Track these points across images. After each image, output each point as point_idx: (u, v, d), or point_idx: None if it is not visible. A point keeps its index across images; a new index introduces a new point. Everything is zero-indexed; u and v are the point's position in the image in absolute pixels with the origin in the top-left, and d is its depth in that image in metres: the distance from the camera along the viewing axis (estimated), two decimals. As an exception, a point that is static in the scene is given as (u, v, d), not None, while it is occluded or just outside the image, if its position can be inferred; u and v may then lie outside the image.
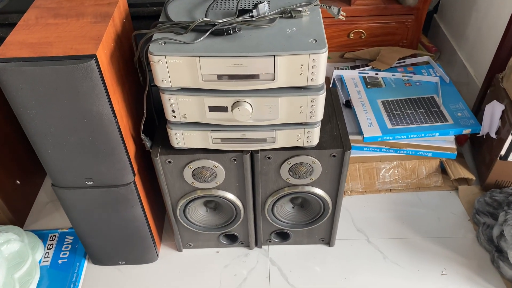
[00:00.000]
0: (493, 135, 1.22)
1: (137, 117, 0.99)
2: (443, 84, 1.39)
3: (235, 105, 0.83)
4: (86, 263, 1.16)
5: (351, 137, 1.26)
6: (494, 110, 1.21)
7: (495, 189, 1.24)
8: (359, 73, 1.45)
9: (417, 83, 1.41)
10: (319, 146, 0.94)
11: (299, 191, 1.01)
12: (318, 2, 0.88)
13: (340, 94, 1.41)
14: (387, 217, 1.26)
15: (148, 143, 0.95)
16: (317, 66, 0.78)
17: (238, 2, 0.88)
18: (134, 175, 0.96)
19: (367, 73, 1.45)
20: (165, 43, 0.79)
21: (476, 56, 1.53)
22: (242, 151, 0.93)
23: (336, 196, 1.04)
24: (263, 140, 0.91)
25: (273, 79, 0.79)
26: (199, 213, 1.10)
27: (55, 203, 1.33)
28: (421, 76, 1.42)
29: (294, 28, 0.81)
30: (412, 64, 1.51)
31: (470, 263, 1.13)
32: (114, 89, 0.85)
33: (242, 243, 1.18)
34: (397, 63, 1.49)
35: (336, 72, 1.46)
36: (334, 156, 0.95)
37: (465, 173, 1.29)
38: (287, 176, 0.98)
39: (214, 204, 1.10)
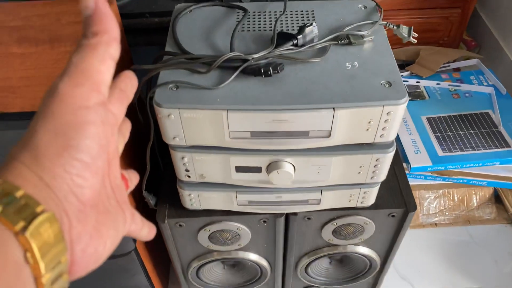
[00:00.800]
0: None
1: (136, 166, 0.77)
2: (498, 95, 1.17)
3: (272, 166, 0.61)
4: None
5: (392, 165, 1.05)
6: None
7: None
8: (396, 80, 1.22)
9: (467, 95, 1.18)
10: (374, 205, 0.73)
11: (343, 252, 0.81)
12: (381, 19, 0.65)
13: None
14: (434, 260, 1.06)
15: (152, 201, 0.74)
16: (391, 120, 0.55)
17: (276, 21, 0.63)
18: (135, 241, 0.75)
19: (407, 81, 1.22)
20: (177, 87, 0.55)
21: (531, 58, 1.30)
22: (275, 214, 0.72)
23: (387, 255, 0.84)
24: (305, 202, 0.69)
25: (328, 136, 0.57)
26: (215, 272, 0.90)
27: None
28: (471, 86, 1.20)
29: (356, 62, 0.58)
30: (457, 70, 1.28)
31: (538, 320, 0.96)
32: (106, 143, 0.62)
33: (267, 298, 0.99)
34: (440, 68, 1.26)
35: (369, 80, 1.23)
36: (393, 216, 0.74)
37: (525, 206, 1.09)
38: (330, 237, 0.78)
39: (233, 261, 0.90)
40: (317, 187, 0.66)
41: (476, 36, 1.57)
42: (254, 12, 0.67)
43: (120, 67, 0.64)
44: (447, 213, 1.13)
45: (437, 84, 1.21)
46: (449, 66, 1.27)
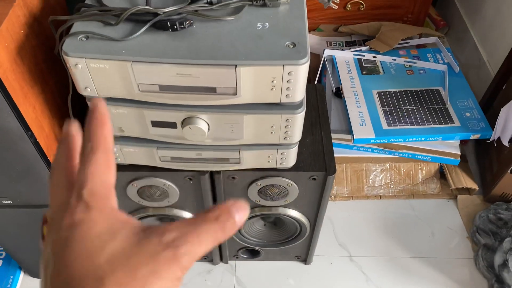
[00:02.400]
0: (506, 143, 1.03)
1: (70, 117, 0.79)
2: (451, 73, 1.18)
3: (185, 122, 0.63)
4: (22, 275, 1.00)
5: (339, 136, 1.08)
6: (510, 114, 1.02)
7: (500, 203, 1.08)
8: (354, 54, 1.23)
9: (421, 71, 1.19)
10: (295, 167, 0.75)
11: (273, 213, 0.84)
12: (303, -18, 0.66)
13: (330, 80, 1.20)
14: (374, 230, 1.10)
15: (81, 154, 0.76)
16: (294, 80, 0.57)
17: (193, -20, 0.64)
18: (65, 192, 0.77)
19: (364, 55, 1.23)
20: (87, 37, 0.57)
21: (492, 38, 1.31)
22: (199, 171, 0.74)
23: (315, 219, 0.87)
24: (225, 160, 0.72)
25: (235, 94, 0.59)
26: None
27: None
28: (426, 63, 1.21)
29: (267, 23, 0.59)
30: (417, 46, 1.29)
31: (465, 290, 0.99)
32: (27, 91, 0.64)
33: (205, 258, 1.02)
34: (399, 44, 1.26)
35: (328, 52, 1.24)
36: (314, 179, 0.76)
37: (467, 182, 1.12)
38: (256, 198, 0.80)
39: (170, 219, 0.93)
40: (234, 145, 0.68)
41: (446, 16, 1.57)
42: (181, -30, 0.68)
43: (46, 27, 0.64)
44: (392, 186, 1.16)
45: (393, 60, 1.22)
46: (408, 42, 1.28)
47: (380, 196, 1.16)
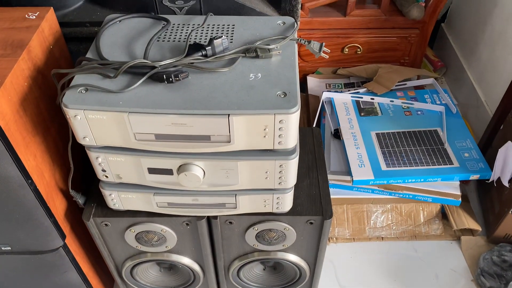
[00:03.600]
0: (506, 183, 1.03)
1: (66, 168, 0.80)
2: (449, 114, 1.20)
3: (181, 168, 0.64)
4: (20, 322, 0.99)
5: (339, 177, 1.08)
6: (508, 154, 1.02)
7: (504, 245, 1.06)
8: (352, 96, 1.26)
9: (419, 112, 1.21)
10: (292, 211, 0.75)
11: (272, 257, 0.84)
12: (296, 35, 0.68)
13: (329, 121, 1.22)
14: (376, 272, 1.08)
15: (80, 200, 0.77)
16: (286, 127, 0.59)
17: (189, 33, 0.68)
18: (64, 237, 0.77)
19: (362, 97, 1.25)
20: (86, 90, 0.59)
21: (488, 79, 1.33)
22: (196, 216, 0.75)
23: (315, 263, 0.86)
24: (222, 205, 0.72)
25: (229, 142, 0.60)
26: (150, 274, 0.92)
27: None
28: (424, 104, 1.23)
29: (259, 74, 0.62)
30: (415, 88, 1.31)
31: (472, 336, 0.96)
32: (29, 141, 0.66)
33: (205, 303, 1.01)
34: (396, 86, 1.29)
35: (326, 95, 1.27)
36: (311, 223, 0.76)
37: (470, 223, 1.11)
38: (254, 242, 0.80)
39: (169, 264, 0.92)
40: (230, 191, 0.69)
41: (443, 57, 1.61)
42: (179, 24, 0.71)
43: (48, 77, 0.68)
44: (394, 228, 1.15)
45: (391, 101, 1.24)
46: (405, 84, 1.31)
47: (382, 237, 1.15)
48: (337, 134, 1.18)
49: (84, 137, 0.61)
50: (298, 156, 0.64)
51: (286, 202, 0.72)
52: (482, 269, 1.04)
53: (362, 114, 1.21)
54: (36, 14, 0.72)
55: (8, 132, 0.60)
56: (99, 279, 0.95)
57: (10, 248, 0.75)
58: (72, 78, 0.62)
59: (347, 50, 1.36)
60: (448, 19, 1.63)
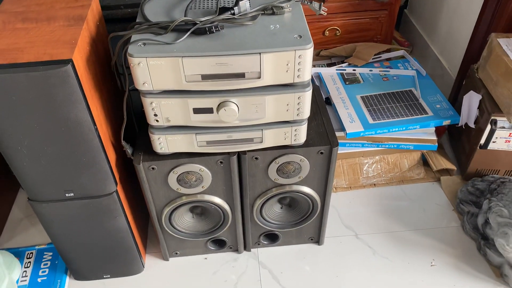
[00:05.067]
0: (472, 125, 1.24)
1: (116, 124, 0.95)
2: (420, 77, 1.40)
3: (220, 105, 0.81)
4: (68, 279, 1.11)
5: (333, 134, 1.26)
6: (471, 100, 1.23)
7: (476, 178, 1.26)
8: (336, 70, 1.45)
9: (395, 77, 1.42)
10: (306, 144, 0.92)
11: (288, 191, 1.00)
12: (299, -3, 0.87)
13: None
14: (373, 212, 1.26)
15: (129, 150, 0.92)
16: (303, 62, 0.76)
17: (218, 0, 0.85)
18: (116, 184, 0.92)
19: (345, 70, 1.45)
20: (144, 44, 0.75)
21: (449, 49, 1.56)
22: (228, 153, 0.91)
23: (324, 194, 1.03)
24: (250, 140, 0.89)
25: (259, 77, 0.77)
26: (185, 220, 1.06)
27: (30, 218, 1.27)
28: (398, 70, 1.43)
29: (277, 25, 0.79)
30: (388, 59, 1.52)
31: (458, 252, 1.15)
32: (92, 95, 0.81)
33: (231, 248, 1.15)
34: (373, 59, 1.50)
35: (314, 70, 1.45)
36: (321, 153, 0.93)
37: (446, 164, 1.31)
38: (275, 176, 0.96)
39: (200, 210, 1.07)
40: (257, 125, 0.86)
41: (408, 38, 1.84)
42: (204, -4, 0.88)
43: (101, 47, 0.86)
44: (383, 175, 1.33)
45: (370, 70, 1.44)
46: (380, 57, 1.51)
47: (375, 184, 1.33)
48: (327, 101, 1.36)
49: (143, 83, 0.77)
50: (311, 90, 0.82)
51: (302, 134, 0.89)
52: (460, 199, 1.24)
53: (347, 83, 1.40)
54: (85, -4, 0.88)
55: (83, 82, 0.75)
56: (137, 229, 1.09)
57: (73, 194, 0.88)
58: (128, 39, 0.78)
59: (327, 33, 1.56)
60: (410, 4, 1.87)
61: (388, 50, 1.57)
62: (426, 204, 1.27)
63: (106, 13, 0.95)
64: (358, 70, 1.44)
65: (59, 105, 0.73)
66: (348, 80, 1.41)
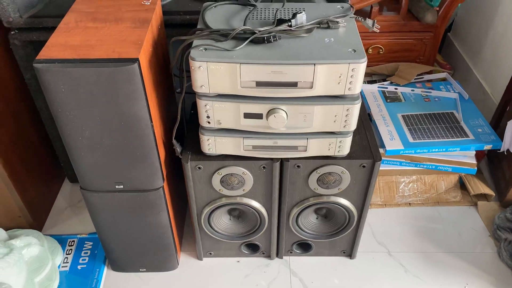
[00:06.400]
0: (514, 152, 1.23)
1: (167, 123, 1.00)
2: (462, 100, 1.40)
3: (270, 112, 0.84)
4: (105, 269, 1.15)
5: (372, 150, 1.27)
6: (515, 127, 1.22)
7: (515, 205, 1.25)
8: (378, 87, 1.47)
9: (436, 99, 1.42)
10: (349, 156, 0.94)
11: (326, 201, 1.01)
12: (353, 14, 0.90)
13: (360, 107, 1.42)
14: (407, 231, 1.25)
15: (178, 149, 0.96)
16: (355, 75, 0.79)
17: (276, 12, 0.89)
18: (163, 180, 0.96)
19: (387, 88, 1.46)
20: (205, 49, 0.79)
21: (492, 74, 1.55)
22: (272, 159, 0.94)
23: (362, 207, 1.04)
24: (295, 148, 0.91)
25: (311, 87, 0.80)
26: (222, 221, 1.10)
27: (73, 208, 1.33)
28: (440, 92, 1.44)
29: (332, 38, 0.82)
30: (430, 80, 1.52)
31: (492, 278, 1.13)
32: (151, 93, 0.85)
33: (263, 253, 1.18)
34: (415, 79, 1.50)
35: (356, 86, 1.47)
36: (363, 166, 0.95)
37: (484, 189, 1.30)
38: (315, 186, 0.98)
39: (238, 212, 1.10)
40: (303, 133, 0.89)
41: (450, 61, 1.84)
42: (262, 8, 0.92)
43: (160, 50, 0.91)
44: (419, 195, 1.33)
45: (412, 90, 1.45)
46: (422, 78, 1.52)
47: (410, 203, 1.33)
48: (368, 117, 1.38)
49: (201, 86, 0.81)
50: (360, 103, 0.84)
51: (346, 146, 0.91)
52: (498, 225, 1.22)
53: (388, 101, 1.41)
54: (149, 2, 0.93)
55: (145, 80, 0.80)
56: (176, 226, 1.12)
57: (122, 186, 0.93)
58: (190, 43, 0.82)
59: (370, 50, 1.58)
60: (453, 29, 1.87)
61: (430, 72, 1.57)
62: (461, 227, 1.26)
63: (165, 18, 1.00)
64: (400, 89, 1.45)
65: (122, 100, 0.78)
66: (389, 98, 1.42)
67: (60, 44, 0.79)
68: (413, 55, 1.60)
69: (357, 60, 0.77)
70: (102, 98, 0.78)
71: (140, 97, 0.79)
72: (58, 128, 0.83)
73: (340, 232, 1.10)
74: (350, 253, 1.18)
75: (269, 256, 1.18)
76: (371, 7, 1.50)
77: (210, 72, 0.79)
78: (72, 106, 0.79)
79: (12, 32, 1.03)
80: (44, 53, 0.77)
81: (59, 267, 1.15)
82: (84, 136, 0.83)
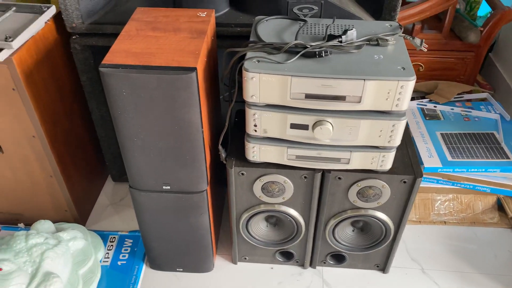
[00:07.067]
0: (557, 176, 1.21)
1: (214, 129, 1.04)
2: (503, 121, 1.39)
3: (317, 124, 0.87)
4: (144, 267, 1.20)
5: (409, 166, 1.28)
6: (558, 151, 1.20)
7: (555, 231, 1.22)
8: (417, 104, 1.47)
9: (476, 119, 1.41)
10: (390, 171, 0.96)
11: (364, 214, 1.03)
12: (401, 32, 0.92)
13: (398, 123, 1.43)
14: (442, 249, 1.25)
15: (223, 154, 0.99)
16: (404, 92, 0.81)
17: (327, 27, 0.92)
18: (207, 184, 1.00)
19: (425, 105, 1.47)
20: (258, 61, 0.83)
21: (535, 97, 1.53)
22: (314, 170, 0.96)
23: (399, 223, 1.05)
24: (337, 160, 0.93)
25: (359, 102, 0.83)
26: (260, 228, 1.12)
27: (115, 206, 1.38)
28: (480, 112, 1.43)
29: (381, 56, 0.85)
30: (470, 100, 1.52)
31: (529, 304, 1.11)
32: (203, 100, 0.89)
33: (297, 262, 1.20)
34: (455, 98, 1.50)
35: (394, 102, 1.48)
36: (404, 182, 0.96)
37: (524, 212, 1.28)
38: (355, 198, 1.00)
39: (275, 220, 1.13)
40: (347, 146, 0.91)
41: (491, 81, 1.82)
42: (312, 23, 0.96)
43: (212, 59, 0.95)
44: (455, 214, 1.32)
45: (451, 109, 1.45)
46: (462, 97, 1.52)
47: (445, 222, 1.32)
48: (409, 133, 1.38)
49: (252, 96, 0.85)
50: (406, 120, 0.86)
51: (389, 161, 0.93)
52: (536, 250, 1.20)
53: (427, 118, 1.42)
54: (205, 14, 0.98)
55: (200, 88, 0.84)
56: (214, 229, 1.16)
57: (169, 187, 0.97)
58: (244, 55, 0.86)
59: (410, 67, 1.59)
60: (495, 49, 1.85)
61: (470, 91, 1.57)
62: (498, 249, 1.25)
63: (218, 29, 1.05)
64: (439, 107, 1.46)
65: (178, 106, 0.83)
66: (428, 116, 1.43)
67: (123, 51, 0.85)
68: (453, 74, 1.60)
69: (407, 77, 0.79)
70: (159, 103, 0.82)
71: (195, 104, 0.83)
72: (116, 129, 0.88)
73: (375, 246, 1.11)
74: (383, 267, 1.18)
75: (302, 265, 1.20)
76: (413, 24, 1.51)
77: (262, 83, 0.82)
78: (131, 109, 0.83)
79: (73, 37, 1.09)
80: (108, 58, 0.82)
81: (100, 261, 1.20)
82: (139, 137, 0.88)
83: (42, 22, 1.03)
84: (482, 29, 1.48)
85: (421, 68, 1.59)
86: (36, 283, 0.99)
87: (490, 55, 1.88)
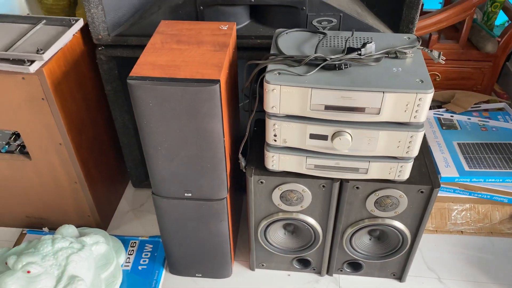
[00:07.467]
0: None
1: (234, 138, 1.06)
2: (521, 131, 1.39)
3: (336, 134, 0.89)
4: (164, 271, 1.22)
5: (426, 176, 1.28)
6: None
7: None
8: (434, 113, 1.48)
9: (494, 129, 1.42)
10: (408, 181, 0.97)
11: (381, 224, 1.04)
12: (419, 45, 0.94)
13: (414, 133, 1.44)
14: (458, 259, 1.25)
15: (243, 163, 1.02)
16: (422, 104, 0.82)
17: (346, 40, 0.94)
18: (227, 191, 1.02)
19: (442, 115, 1.48)
20: (279, 73, 0.86)
21: (553, 107, 1.52)
22: (332, 179, 0.98)
23: (416, 232, 1.06)
24: (356, 170, 0.95)
25: (378, 113, 0.84)
26: (278, 235, 1.14)
27: (135, 212, 1.42)
28: (498, 122, 1.43)
29: (400, 68, 0.87)
30: (487, 110, 1.52)
31: (548, 315, 1.11)
32: (225, 110, 0.92)
33: (314, 269, 1.21)
34: (471, 108, 1.51)
35: (411, 111, 1.49)
36: (422, 192, 0.98)
37: (542, 223, 1.28)
38: (372, 207, 1.02)
39: (293, 228, 1.14)
40: (366, 156, 0.93)
41: (508, 91, 1.82)
42: (331, 36, 0.98)
43: (233, 71, 0.99)
44: (472, 224, 1.33)
45: (468, 119, 1.45)
46: (479, 106, 1.52)
47: (462, 231, 1.33)
48: (427, 144, 1.39)
49: (272, 107, 0.87)
50: (424, 131, 0.87)
51: (406, 171, 0.94)
52: (555, 261, 1.20)
53: (444, 128, 1.43)
54: (227, 27, 1.01)
55: (222, 99, 0.87)
56: (232, 236, 1.18)
57: (191, 194, 1.00)
58: (265, 67, 0.89)
59: (427, 77, 1.60)
60: (513, 58, 1.85)
61: (488, 101, 1.57)
62: (515, 260, 1.25)
63: (238, 41, 1.08)
64: (456, 117, 1.46)
65: (202, 116, 0.86)
66: (445, 125, 1.43)
67: (149, 63, 0.88)
68: (470, 83, 1.61)
69: (425, 90, 0.81)
70: (184, 113, 0.85)
71: (217, 114, 0.86)
72: (141, 138, 0.91)
73: (392, 255, 1.12)
74: (400, 276, 1.19)
75: (319, 273, 1.21)
76: (430, 35, 1.52)
77: (282, 95, 0.85)
78: (156, 119, 0.87)
79: (99, 48, 1.14)
80: (136, 71, 0.85)
81: (122, 265, 1.23)
82: (163, 146, 0.91)
83: (70, 34, 1.07)
84: (499, 39, 1.49)
85: (438, 77, 1.60)
86: (62, 286, 1.02)
87: (507, 64, 1.87)
